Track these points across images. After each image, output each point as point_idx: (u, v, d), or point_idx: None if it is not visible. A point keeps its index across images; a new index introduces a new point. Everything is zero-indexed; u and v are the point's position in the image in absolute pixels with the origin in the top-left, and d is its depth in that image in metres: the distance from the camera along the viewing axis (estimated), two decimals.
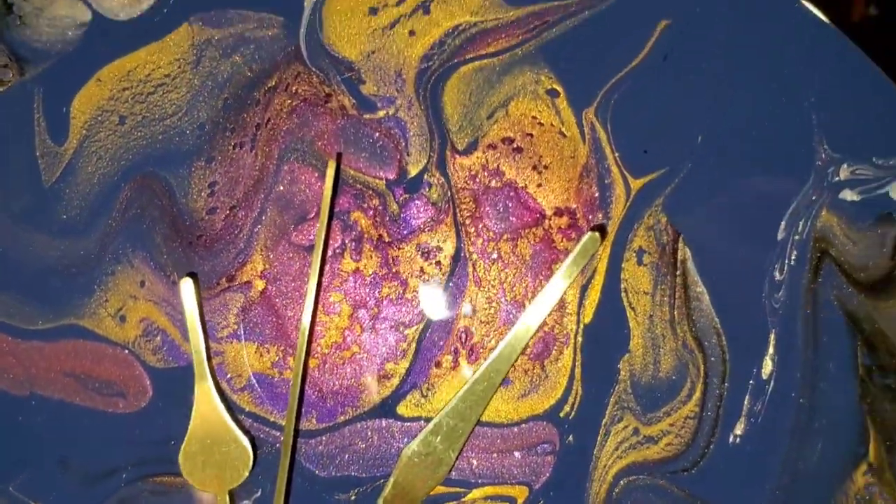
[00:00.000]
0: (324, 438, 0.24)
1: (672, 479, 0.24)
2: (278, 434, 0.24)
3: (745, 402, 0.24)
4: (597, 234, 0.22)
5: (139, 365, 0.24)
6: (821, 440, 0.24)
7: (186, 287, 0.23)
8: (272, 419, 0.24)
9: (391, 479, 0.23)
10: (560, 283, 0.23)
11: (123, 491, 0.24)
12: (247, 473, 0.23)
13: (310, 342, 0.23)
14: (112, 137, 0.24)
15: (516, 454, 0.24)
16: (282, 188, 0.24)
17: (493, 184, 0.24)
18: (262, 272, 0.24)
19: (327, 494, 0.24)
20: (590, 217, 0.24)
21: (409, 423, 0.24)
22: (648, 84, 0.23)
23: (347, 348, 0.24)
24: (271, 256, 0.24)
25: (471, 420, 0.23)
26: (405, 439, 0.24)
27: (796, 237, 0.24)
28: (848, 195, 0.24)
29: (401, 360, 0.24)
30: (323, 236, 0.23)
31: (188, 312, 0.23)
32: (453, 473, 0.23)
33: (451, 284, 0.24)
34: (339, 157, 0.23)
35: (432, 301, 0.24)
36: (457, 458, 0.23)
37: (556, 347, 0.24)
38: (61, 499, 0.24)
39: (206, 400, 0.23)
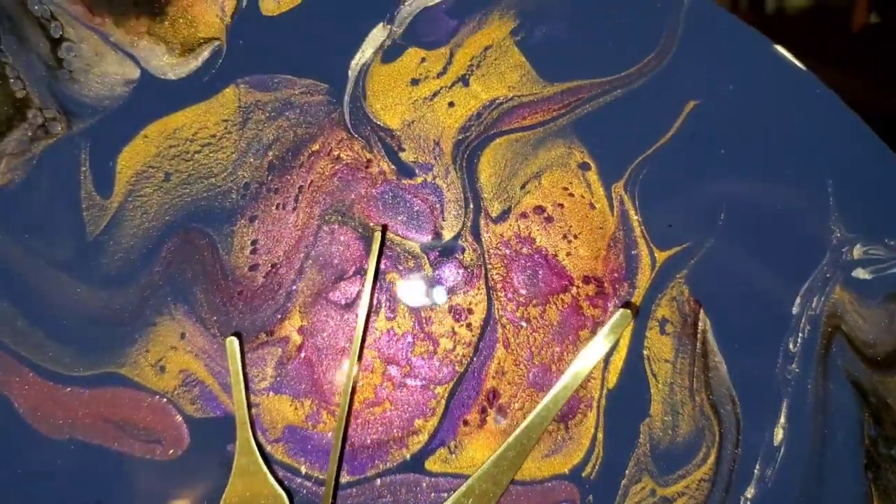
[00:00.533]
0: (354, 491, 0.25)
1: None
2: (309, 485, 0.25)
3: (757, 468, 0.25)
4: (629, 311, 0.23)
5: (177, 413, 0.25)
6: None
7: (232, 345, 0.23)
8: (304, 471, 0.25)
9: None
10: (592, 355, 0.24)
11: None
12: None
13: (352, 398, 0.24)
14: (157, 193, 0.25)
15: None
16: (321, 248, 0.25)
17: (524, 250, 0.25)
18: (299, 328, 0.25)
19: None
20: (616, 286, 0.25)
21: (436, 479, 0.25)
22: (675, 161, 0.24)
23: (379, 404, 0.25)
24: (309, 313, 0.25)
25: (502, 484, 0.24)
26: (432, 493, 0.25)
27: (810, 312, 0.25)
28: (861, 274, 0.25)
29: (430, 417, 0.25)
30: (367, 300, 0.24)
31: (233, 370, 0.23)
32: None
33: (480, 347, 0.25)
34: (384, 228, 0.24)
35: (465, 365, 0.25)
36: (498, 497, 0.24)
37: (580, 411, 0.25)
38: None
39: (246, 451, 0.24)
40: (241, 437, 0.24)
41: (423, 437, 0.25)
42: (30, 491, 0.25)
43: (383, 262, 0.25)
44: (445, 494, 0.25)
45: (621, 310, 0.23)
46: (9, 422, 0.25)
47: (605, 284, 0.25)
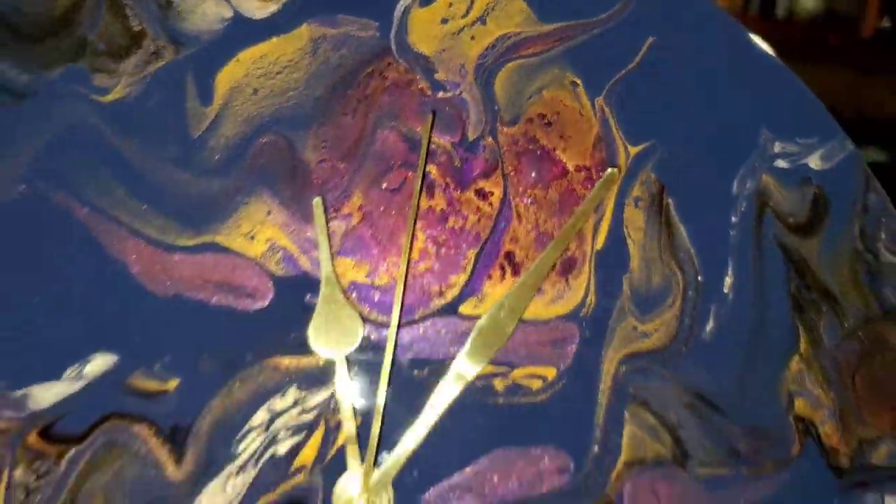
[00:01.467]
0: (404, 330, 0.32)
1: (660, 363, 0.32)
2: (367, 324, 0.32)
3: (713, 309, 0.33)
4: (615, 171, 0.31)
5: (264, 274, 0.32)
6: (766, 338, 0.33)
7: (318, 207, 0.31)
8: (364, 314, 0.32)
9: (469, 340, 0.31)
10: (584, 211, 0.32)
11: (245, 371, 0.31)
12: (359, 340, 0.31)
13: (409, 258, 0.31)
14: (247, 104, 0.32)
15: (547, 341, 0.32)
16: (375, 147, 0.32)
17: (530, 147, 0.33)
18: (359, 206, 0.32)
19: (407, 371, 0.32)
20: (600, 173, 0.33)
21: (467, 321, 0.32)
22: (642, 81, 0.33)
23: (420, 262, 0.32)
24: (366, 195, 0.32)
25: (525, 300, 0.31)
26: (467, 332, 0.32)
27: (745, 192, 0.33)
28: (780, 163, 0.34)
29: (462, 273, 0.32)
30: (420, 179, 0.31)
31: (318, 223, 0.31)
32: (501, 356, 0.32)
33: (499, 217, 0.32)
34: (434, 113, 0.32)
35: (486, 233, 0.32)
36: (512, 332, 0.31)
37: (576, 266, 0.33)
38: (198, 376, 0.31)
39: (330, 282, 0.31)
40: (325, 270, 0.31)
41: (457, 290, 0.32)
42: (140, 340, 0.31)
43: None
44: None
45: (610, 169, 0.31)
46: (125, 283, 0.31)
47: (593, 171, 0.33)
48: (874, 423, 0.33)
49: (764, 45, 0.34)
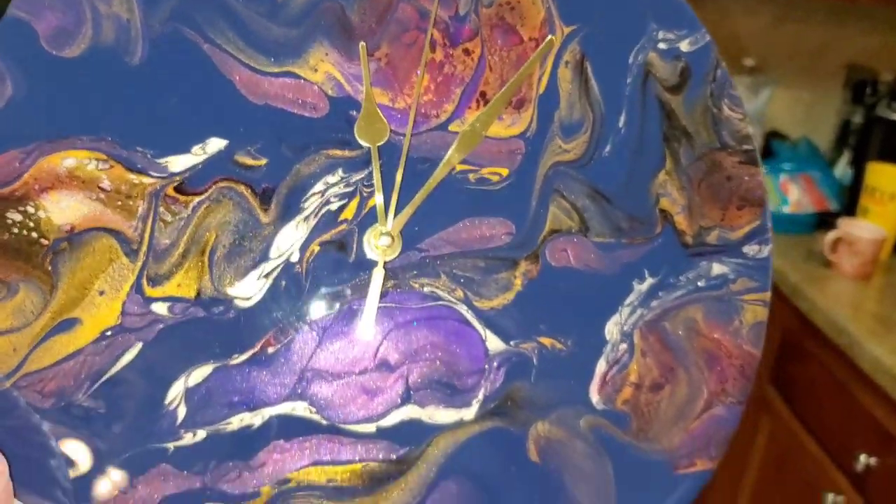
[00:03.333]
0: (412, 139, 0.49)
1: (575, 169, 0.50)
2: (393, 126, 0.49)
3: (611, 137, 0.51)
4: (553, 38, 0.49)
5: (322, 94, 0.49)
6: (644, 157, 0.51)
7: (362, 49, 0.48)
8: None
9: (454, 143, 0.49)
10: (531, 65, 0.49)
11: (309, 157, 0.48)
12: (387, 136, 0.48)
13: (421, 87, 0.48)
14: None
15: (504, 151, 0.50)
16: (397, 14, 0.49)
17: (499, 23, 0.50)
18: (385, 54, 0.49)
19: (414, 163, 0.49)
20: (543, 40, 0.50)
21: (453, 135, 0.50)
22: None
23: (425, 93, 0.49)
24: (390, 47, 0.49)
25: (491, 116, 0.49)
26: (452, 141, 0.49)
27: (637, 62, 0.51)
28: (661, 45, 0.51)
29: (451, 103, 0.50)
30: (428, 40, 0.48)
31: (363, 59, 0.48)
32: (474, 159, 0.49)
33: (477, 68, 0.50)
34: (438, 1, 0.49)
35: (469, 78, 0.50)
36: (481, 139, 0.49)
37: (525, 104, 0.50)
38: (279, 157, 0.48)
39: (371, 103, 0.48)
40: (366, 91, 0.48)
41: (447, 114, 0.50)
42: (243, 130, 0.48)
43: (426, 23, 0.49)
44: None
45: (549, 37, 0.49)
46: (232, 95, 0.48)
47: (539, 42, 0.50)
48: (709, 216, 0.52)
49: None
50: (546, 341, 0.49)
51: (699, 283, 0.50)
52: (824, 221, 1.67)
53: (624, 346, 0.50)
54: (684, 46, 0.50)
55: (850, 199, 1.69)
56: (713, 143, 0.50)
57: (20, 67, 0.45)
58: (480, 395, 0.48)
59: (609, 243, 0.50)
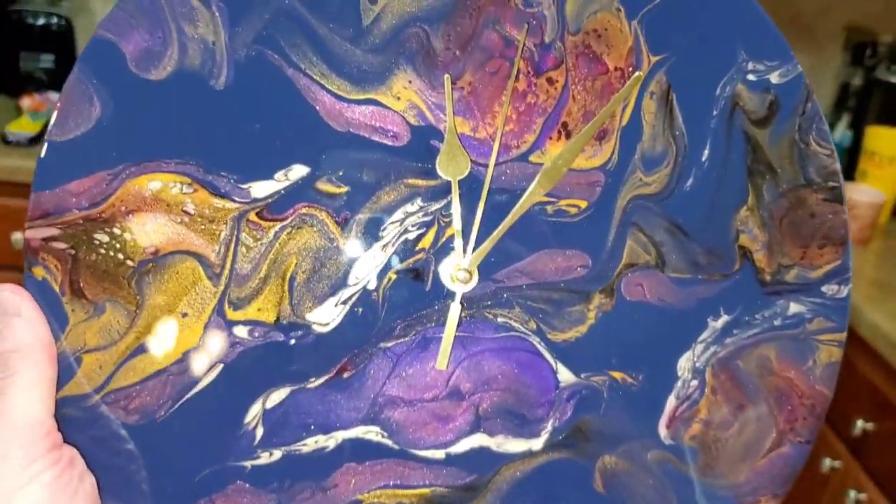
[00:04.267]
0: (493, 169, 0.49)
1: (654, 203, 0.50)
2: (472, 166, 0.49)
3: (693, 171, 0.50)
4: (641, 74, 0.48)
5: (404, 123, 0.48)
6: (726, 193, 0.50)
7: (448, 81, 0.47)
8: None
9: (537, 178, 0.48)
10: (615, 102, 0.48)
11: (389, 186, 0.48)
12: (468, 171, 0.48)
13: (505, 117, 0.48)
14: (401, 5, 0.48)
15: (583, 183, 0.49)
16: (483, 42, 0.49)
17: (585, 51, 0.49)
18: (469, 83, 0.49)
19: (494, 195, 0.49)
20: (631, 72, 0.49)
21: (533, 167, 0.49)
22: (665, 13, 0.49)
23: (509, 123, 0.49)
24: (474, 74, 0.49)
25: (574, 153, 0.48)
26: (533, 174, 0.49)
27: (725, 94, 0.50)
28: (751, 77, 0.50)
29: (532, 134, 0.49)
30: (516, 71, 0.48)
31: (447, 90, 0.47)
32: (553, 191, 0.49)
33: (560, 98, 0.49)
34: (527, 30, 0.48)
35: (551, 108, 0.49)
36: (564, 174, 0.48)
37: (608, 135, 0.49)
38: (360, 185, 0.48)
39: (451, 133, 0.48)
40: (449, 124, 0.47)
41: (528, 145, 0.49)
42: (325, 158, 0.48)
43: (513, 51, 0.48)
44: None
45: (637, 73, 0.48)
46: (315, 121, 0.48)
47: (625, 72, 0.49)
48: (790, 254, 0.51)
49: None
50: (617, 375, 0.49)
51: (775, 322, 0.50)
52: None
53: (695, 382, 0.50)
54: (774, 78, 0.49)
55: (848, 163, 1.66)
56: (798, 179, 0.49)
57: (108, 89, 0.45)
58: (549, 427, 0.49)
59: (685, 279, 0.49)
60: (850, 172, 1.64)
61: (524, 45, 0.47)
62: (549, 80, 0.48)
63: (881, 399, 1.17)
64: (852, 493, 1.20)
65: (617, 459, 0.50)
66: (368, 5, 0.47)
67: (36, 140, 1.64)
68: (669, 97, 0.48)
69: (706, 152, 0.49)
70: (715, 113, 0.49)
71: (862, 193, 1.45)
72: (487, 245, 0.47)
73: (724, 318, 0.50)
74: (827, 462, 1.27)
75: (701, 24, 0.48)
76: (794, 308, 0.50)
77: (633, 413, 0.50)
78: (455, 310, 0.47)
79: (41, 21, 1.79)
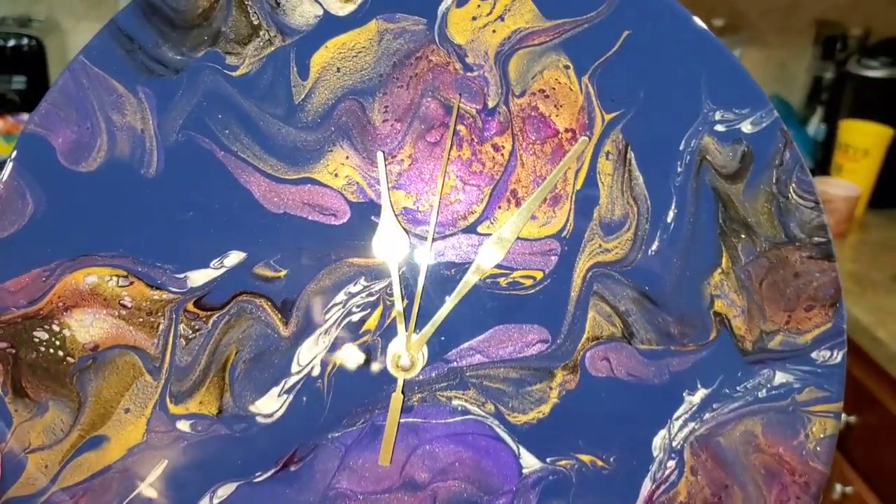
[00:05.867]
0: (437, 244, 0.46)
1: (617, 270, 0.46)
2: (413, 237, 0.46)
3: (658, 234, 0.46)
4: (587, 138, 0.44)
5: (343, 200, 0.46)
6: (696, 255, 0.46)
7: (380, 156, 0.45)
8: (412, 230, 0.46)
9: (479, 251, 0.45)
10: (558, 173, 0.45)
11: (330, 266, 0.46)
12: (407, 250, 0.45)
13: (442, 192, 0.45)
14: (333, 79, 0.46)
15: (537, 253, 0.46)
16: (421, 111, 0.46)
17: (532, 114, 0.46)
18: (409, 154, 0.46)
19: (441, 270, 0.46)
20: (582, 133, 0.46)
21: (483, 237, 0.46)
22: (617, 65, 0.45)
23: (453, 196, 0.46)
24: (415, 146, 0.46)
25: (523, 222, 0.45)
26: (480, 245, 0.46)
27: (689, 149, 0.46)
28: (719, 127, 0.46)
29: (480, 203, 0.46)
30: (450, 139, 0.45)
31: (381, 169, 0.45)
32: (503, 262, 0.46)
33: (507, 164, 0.46)
34: (460, 95, 0.45)
35: (499, 176, 0.46)
36: (510, 247, 0.45)
37: (561, 201, 0.46)
38: (299, 268, 0.46)
39: (386, 209, 0.45)
40: (385, 204, 0.45)
41: (476, 215, 0.46)
42: (261, 242, 0.46)
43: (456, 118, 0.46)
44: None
45: (582, 138, 0.44)
46: (250, 204, 0.46)
47: (577, 132, 0.46)
48: (773, 318, 0.47)
49: (713, 35, 0.45)
50: (586, 458, 0.46)
51: (759, 394, 0.45)
52: None
53: (672, 463, 0.45)
54: (746, 127, 0.44)
55: (823, 157, 1.64)
56: (778, 236, 0.45)
57: (40, 184, 0.44)
58: None
59: (657, 351, 0.45)
60: (825, 166, 1.62)
61: (463, 110, 0.44)
62: (495, 147, 0.45)
63: (863, 392, 1.16)
64: (838, 487, 1.19)
65: None
66: (299, 80, 0.45)
67: None
68: (627, 156, 0.45)
69: (671, 213, 0.45)
70: (679, 170, 0.45)
71: (837, 187, 1.42)
72: (430, 328, 0.45)
73: (702, 392, 0.46)
74: None
75: (660, 74, 0.44)
76: (780, 378, 0.46)
77: (605, 499, 0.46)
78: (397, 400, 0.45)
79: (12, 42, 1.78)
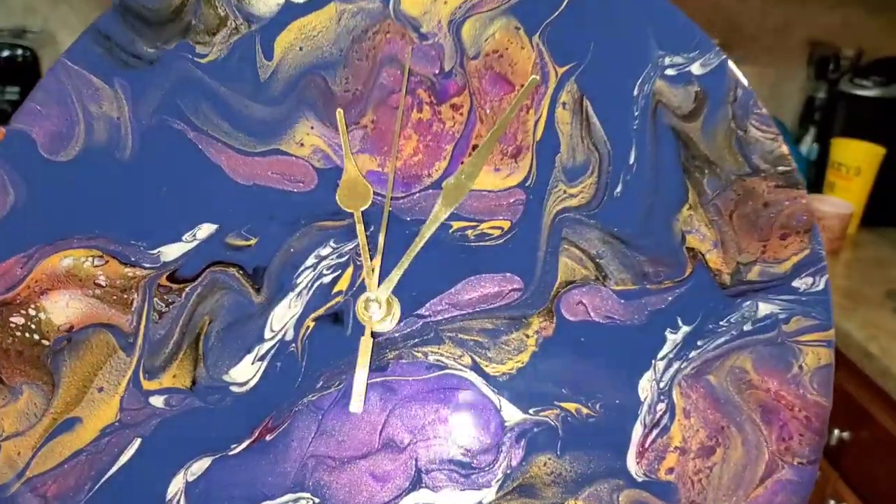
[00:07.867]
0: (406, 200, 0.47)
1: (584, 214, 0.46)
2: (377, 198, 0.47)
3: (622, 176, 0.47)
4: (536, 77, 0.46)
5: (310, 168, 0.47)
6: (662, 194, 0.46)
7: (340, 115, 0.46)
8: (376, 191, 0.47)
9: (441, 194, 0.46)
10: (512, 110, 0.46)
11: (300, 231, 0.47)
12: (369, 200, 0.46)
13: (400, 153, 0.46)
14: (296, 57, 0.48)
15: (503, 204, 0.46)
16: (381, 79, 0.48)
17: (488, 73, 0.48)
18: (372, 120, 0.48)
19: (409, 226, 0.46)
20: (538, 87, 0.47)
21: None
22: (567, 21, 0.47)
23: (415, 156, 0.47)
24: (376, 111, 0.48)
25: (478, 168, 0.46)
26: (439, 198, 0.46)
27: (643, 93, 0.47)
28: (669, 71, 0.47)
29: (443, 161, 0.47)
30: (403, 102, 0.47)
31: (340, 125, 0.46)
32: (467, 213, 0.46)
33: (468, 122, 0.47)
34: (411, 51, 0.47)
35: (459, 133, 0.47)
36: (468, 189, 0.46)
37: (522, 152, 0.47)
38: (270, 235, 0.46)
39: (351, 168, 0.46)
40: (345, 148, 0.46)
41: (440, 172, 0.47)
42: (232, 213, 0.47)
43: (414, 83, 0.48)
44: None
45: (531, 77, 0.46)
46: (220, 178, 0.47)
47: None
48: (748, 249, 0.46)
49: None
50: (570, 406, 0.44)
51: (744, 327, 0.44)
52: None
53: (662, 405, 0.43)
54: (696, 69, 0.46)
55: (816, 175, 1.64)
56: (742, 168, 0.45)
57: (20, 175, 0.46)
58: (500, 473, 0.43)
59: (632, 290, 0.44)
60: (818, 185, 1.63)
61: (421, 75, 0.46)
62: (454, 107, 0.47)
63: (856, 408, 1.13)
64: (832, 503, 1.15)
65: None
66: (265, 61, 0.47)
67: None
68: (583, 105, 0.46)
69: (632, 155, 0.45)
70: (637, 114, 0.46)
71: (830, 205, 1.43)
72: (396, 273, 0.45)
73: (685, 329, 0.44)
74: None
75: (607, 26, 0.46)
76: (764, 309, 0.44)
77: (594, 448, 0.44)
78: (366, 342, 0.44)
79: (6, 53, 1.80)
